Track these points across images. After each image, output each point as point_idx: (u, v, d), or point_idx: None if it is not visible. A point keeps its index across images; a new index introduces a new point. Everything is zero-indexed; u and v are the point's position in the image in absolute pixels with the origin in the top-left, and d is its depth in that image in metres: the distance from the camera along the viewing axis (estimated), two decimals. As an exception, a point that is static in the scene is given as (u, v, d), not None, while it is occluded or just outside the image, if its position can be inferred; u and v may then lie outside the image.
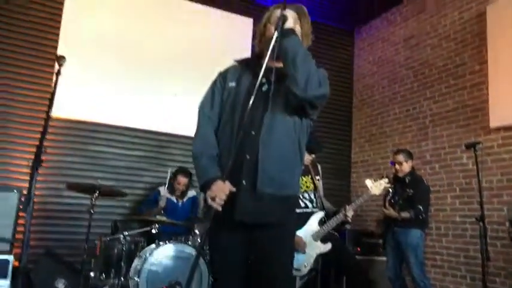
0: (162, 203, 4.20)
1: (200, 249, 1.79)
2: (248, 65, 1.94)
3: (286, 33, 1.77)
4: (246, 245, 1.83)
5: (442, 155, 4.88)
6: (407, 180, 4.09)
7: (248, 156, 1.77)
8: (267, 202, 1.77)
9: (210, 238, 1.93)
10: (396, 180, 4.12)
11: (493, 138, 4.34)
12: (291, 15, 1.84)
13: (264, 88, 1.84)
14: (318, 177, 3.67)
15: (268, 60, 1.71)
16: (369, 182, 3.62)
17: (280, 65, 1.81)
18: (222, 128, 1.88)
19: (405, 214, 3.91)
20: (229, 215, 1.73)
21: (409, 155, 4.21)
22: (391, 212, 3.96)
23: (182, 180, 4.41)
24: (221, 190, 1.67)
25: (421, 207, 3.90)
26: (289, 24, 1.80)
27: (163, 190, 4.42)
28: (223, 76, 1.97)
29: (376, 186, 3.56)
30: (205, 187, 1.75)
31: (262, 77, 1.73)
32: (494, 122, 4.31)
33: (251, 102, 1.67)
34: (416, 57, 5.44)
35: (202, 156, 1.84)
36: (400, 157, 4.17)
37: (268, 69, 1.73)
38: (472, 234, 4.36)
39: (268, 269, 1.80)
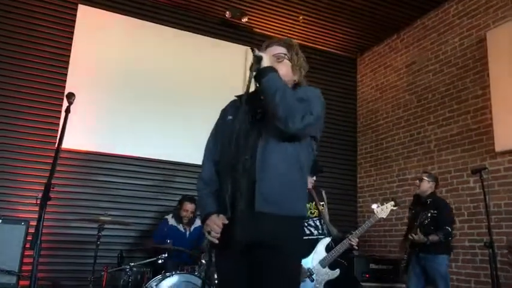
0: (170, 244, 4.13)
1: (205, 279, 1.80)
2: (248, 100, 1.96)
3: (262, 73, 1.82)
4: (247, 266, 1.82)
5: (448, 179, 4.86)
6: (428, 202, 4.00)
7: (244, 181, 1.79)
8: (265, 221, 1.77)
9: (216, 264, 1.97)
10: (417, 203, 4.07)
11: (499, 162, 4.33)
12: (267, 55, 1.89)
13: (258, 117, 1.91)
14: (322, 203, 3.67)
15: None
16: (375, 206, 3.61)
17: None
18: (221, 160, 1.94)
19: (433, 237, 3.76)
20: (230, 238, 1.74)
21: (434, 178, 4.16)
22: (420, 237, 3.79)
23: (189, 206, 4.41)
24: (215, 224, 1.76)
25: (449, 228, 3.79)
26: (265, 63, 1.84)
27: (170, 219, 4.44)
28: (223, 111, 2.07)
29: (382, 210, 3.55)
30: (203, 222, 1.87)
31: (255, 109, 1.87)
32: (499, 146, 4.31)
33: (239, 128, 1.79)
34: (419, 83, 5.50)
35: (202, 193, 1.95)
36: (424, 175, 4.15)
37: (262, 101, 1.83)
38: (482, 259, 4.30)
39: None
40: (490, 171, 4.15)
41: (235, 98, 2.06)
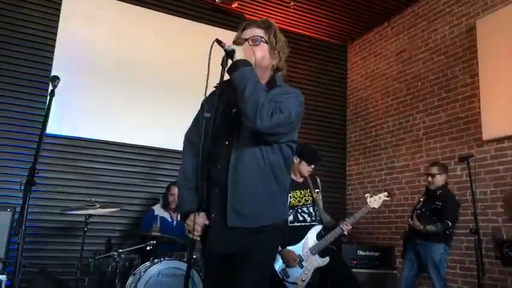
0: (156, 226, 4.12)
1: (190, 262, 1.81)
2: (225, 93, 1.87)
3: (233, 68, 1.75)
4: (222, 272, 1.85)
5: (436, 167, 4.90)
6: (438, 193, 3.99)
7: (216, 191, 1.80)
8: (237, 235, 1.77)
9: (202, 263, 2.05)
10: (427, 193, 4.09)
11: (486, 150, 4.37)
12: (240, 46, 1.80)
13: (231, 119, 1.84)
14: (317, 191, 3.68)
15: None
16: (368, 196, 3.63)
17: None
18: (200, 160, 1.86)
19: (431, 227, 3.78)
20: (204, 247, 1.83)
21: (444, 169, 4.10)
22: (416, 223, 3.84)
23: (175, 190, 4.40)
24: (195, 223, 1.77)
25: (449, 222, 3.79)
26: (237, 56, 1.76)
27: (157, 209, 4.42)
28: (203, 104, 1.96)
29: (375, 200, 3.57)
30: (182, 219, 1.89)
31: (231, 107, 1.83)
32: (486, 134, 4.35)
33: (213, 132, 1.77)
34: (409, 71, 5.51)
35: (181, 188, 1.93)
36: (434, 169, 4.05)
37: (236, 99, 1.76)
38: (467, 246, 4.37)
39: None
40: (477, 159, 4.19)
41: (214, 88, 1.91)
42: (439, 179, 4.02)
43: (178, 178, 1.97)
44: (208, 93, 1.82)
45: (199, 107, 2.00)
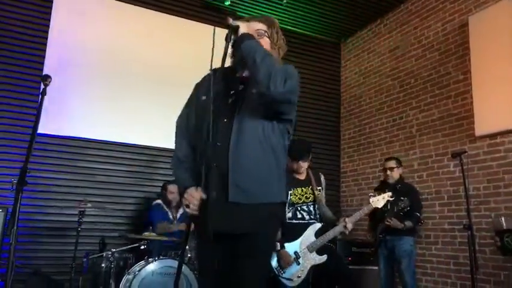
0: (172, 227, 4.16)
1: (182, 259, 1.83)
2: (222, 76, 1.90)
3: (240, 39, 1.78)
4: (222, 253, 1.83)
5: (429, 164, 4.93)
6: (398, 188, 4.10)
7: (216, 168, 1.77)
8: (238, 212, 1.75)
9: (196, 249, 2.00)
10: (386, 188, 4.11)
11: (478, 146, 4.39)
12: (244, 24, 1.84)
13: (231, 99, 1.86)
14: (319, 188, 3.66)
15: (238, 72, 1.79)
16: (371, 196, 3.64)
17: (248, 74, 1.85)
18: (196, 142, 1.90)
19: (408, 223, 3.94)
20: (204, 227, 1.73)
21: (399, 162, 4.32)
22: (396, 222, 3.91)
23: (173, 188, 4.39)
24: (193, 197, 1.72)
25: (419, 214, 4.00)
26: (242, 30, 1.80)
27: (162, 204, 4.44)
28: (197, 86, 2.00)
29: (378, 200, 3.58)
30: (181, 195, 1.83)
31: (229, 88, 1.83)
32: (479, 130, 4.37)
33: (212, 111, 1.73)
34: (402, 68, 5.52)
35: (176, 169, 1.93)
36: (392, 163, 4.25)
37: (235, 79, 1.79)
38: (461, 241, 4.39)
39: (238, 277, 1.79)
40: (470, 155, 4.22)
41: (210, 72, 1.92)
42: (397, 172, 4.22)
43: (172, 162, 1.97)
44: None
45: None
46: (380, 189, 3.89)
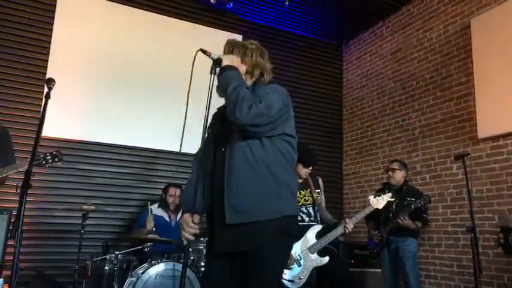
0: (149, 225, 4.12)
1: (185, 264, 1.92)
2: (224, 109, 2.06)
3: (220, 72, 1.96)
4: (228, 269, 1.97)
5: (432, 166, 4.93)
6: (403, 190, 4.12)
7: (217, 193, 1.96)
8: (237, 233, 1.88)
9: (206, 258, 2.25)
10: (387, 189, 4.10)
11: (481, 148, 4.39)
12: (228, 56, 2.03)
13: (226, 130, 2.02)
14: (318, 191, 3.69)
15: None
16: (371, 197, 3.66)
17: None
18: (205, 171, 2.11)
19: (417, 223, 3.97)
20: (211, 246, 1.98)
21: (404, 165, 4.28)
22: (409, 222, 3.91)
23: (174, 190, 4.40)
24: (185, 222, 1.97)
25: (426, 216, 4.03)
26: (224, 62, 1.97)
27: (154, 209, 4.40)
28: (210, 126, 2.17)
29: (378, 201, 3.59)
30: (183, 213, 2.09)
31: (220, 119, 2.08)
32: (482, 132, 4.36)
33: (212, 144, 2.06)
34: (404, 70, 5.52)
35: (185, 192, 2.26)
36: (394, 164, 4.24)
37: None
38: (464, 243, 4.38)
39: None
40: (473, 158, 4.21)
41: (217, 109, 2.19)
42: (399, 174, 4.18)
43: (185, 187, 2.25)
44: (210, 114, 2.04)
45: (191, 108, 2.07)
46: (381, 191, 3.88)
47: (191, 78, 1.95)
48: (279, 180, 1.92)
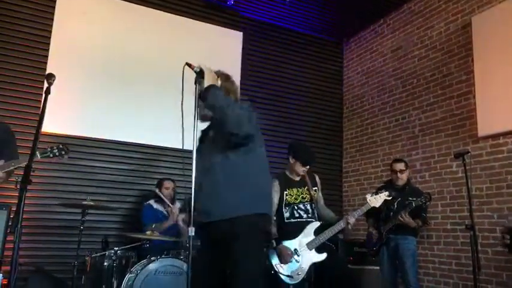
0: (174, 218, 4.22)
1: (189, 258, 2.09)
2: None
3: (203, 92, 2.21)
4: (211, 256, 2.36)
5: (432, 164, 4.93)
6: (406, 189, 4.11)
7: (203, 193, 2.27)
8: (212, 229, 2.26)
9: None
10: (392, 189, 4.09)
11: (481, 147, 4.39)
12: (207, 75, 2.27)
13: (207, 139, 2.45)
14: (315, 188, 3.70)
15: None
16: (368, 196, 3.65)
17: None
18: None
19: (418, 221, 3.97)
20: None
21: (407, 165, 4.27)
22: (410, 220, 3.90)
23: (168, 184, 4.45)
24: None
25: (425, 215, 4.04)
26: (206, 73, 2.26)
27: (153, 203, 4.42)
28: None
29: (375, 199, 3.59)
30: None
31: (208, 130, 2.49)
32: (482, 130, 4.36)
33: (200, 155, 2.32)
34: (404, 68, 5.52)
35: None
36: (402, 165, 4.18)
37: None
38: (463, 241, 4.39)
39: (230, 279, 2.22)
40: (473, 156, 4.21)
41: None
42: (405, 175, 4.18)
43: None
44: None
45: (191, 105, 2.27)
46: (384, 189, 3.88)
47: (183, 90, 2.26)
48: (251, 182, 2.26)
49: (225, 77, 2.45)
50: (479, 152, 4.38)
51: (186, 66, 2.23)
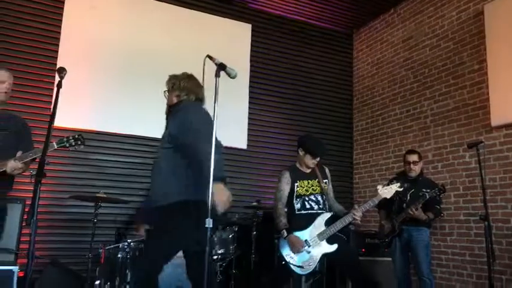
0: None
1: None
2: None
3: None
4: None
5: (444, 154, 4.88)
6: (419, 181, 4.06)
7: None
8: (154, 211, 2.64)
9: None
10: (406, 180, 4.06)
11: (495, 137, 4.33)
12: (167, 83, 3.02)
13: None
14: (325, 181, 3.69)
15: None
16: (379, 187, 3.63)
17: None
18: None
19: (429, 214, 3.91)
20: None
21: (421, 156, 4.20)
22: (421, 214, 3.86)
23: None
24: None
25: (439, 207, 3.97)
26: (166, 95, 2.95)
27: None
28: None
29: (387, 190, 3.57)
30: None
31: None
32: (495, 120, 4.31)
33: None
34: (416, 58, 5.45)
35: None
36: (416, 157, 4.10)
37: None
38: (477, 232, 4.36)
39: None
40: (486, 146, 4.16)
41: None
42: (419, 166, 4.11)
43: None
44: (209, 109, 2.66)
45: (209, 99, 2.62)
46: (396, 180, 3.84)
47: (203, 81, 2.43)
48: (176, 176, 2.56)
49: (188, 77, 2.83)
50: (492, 142, 4.33)
51: (207, 59, 2.27)
